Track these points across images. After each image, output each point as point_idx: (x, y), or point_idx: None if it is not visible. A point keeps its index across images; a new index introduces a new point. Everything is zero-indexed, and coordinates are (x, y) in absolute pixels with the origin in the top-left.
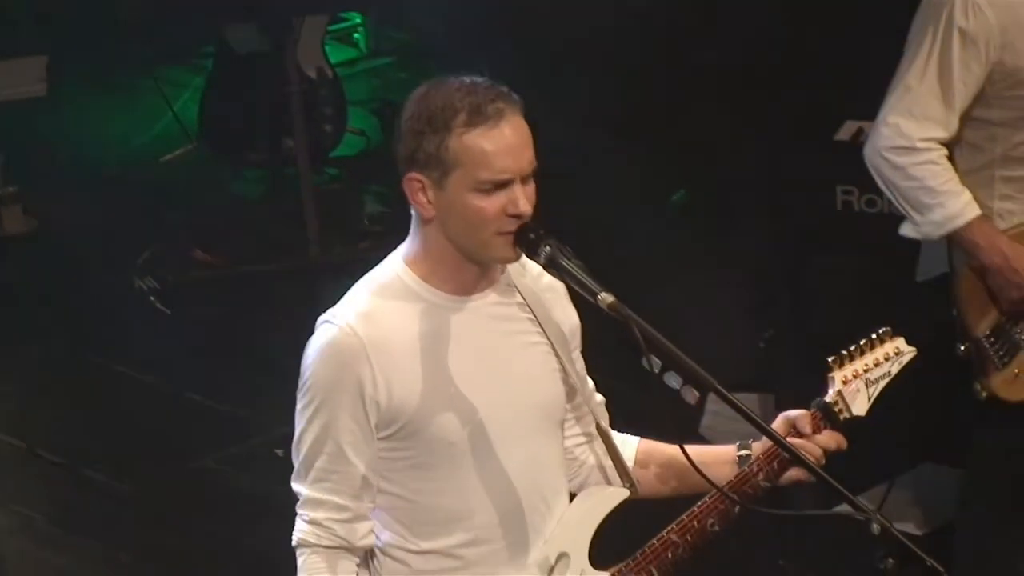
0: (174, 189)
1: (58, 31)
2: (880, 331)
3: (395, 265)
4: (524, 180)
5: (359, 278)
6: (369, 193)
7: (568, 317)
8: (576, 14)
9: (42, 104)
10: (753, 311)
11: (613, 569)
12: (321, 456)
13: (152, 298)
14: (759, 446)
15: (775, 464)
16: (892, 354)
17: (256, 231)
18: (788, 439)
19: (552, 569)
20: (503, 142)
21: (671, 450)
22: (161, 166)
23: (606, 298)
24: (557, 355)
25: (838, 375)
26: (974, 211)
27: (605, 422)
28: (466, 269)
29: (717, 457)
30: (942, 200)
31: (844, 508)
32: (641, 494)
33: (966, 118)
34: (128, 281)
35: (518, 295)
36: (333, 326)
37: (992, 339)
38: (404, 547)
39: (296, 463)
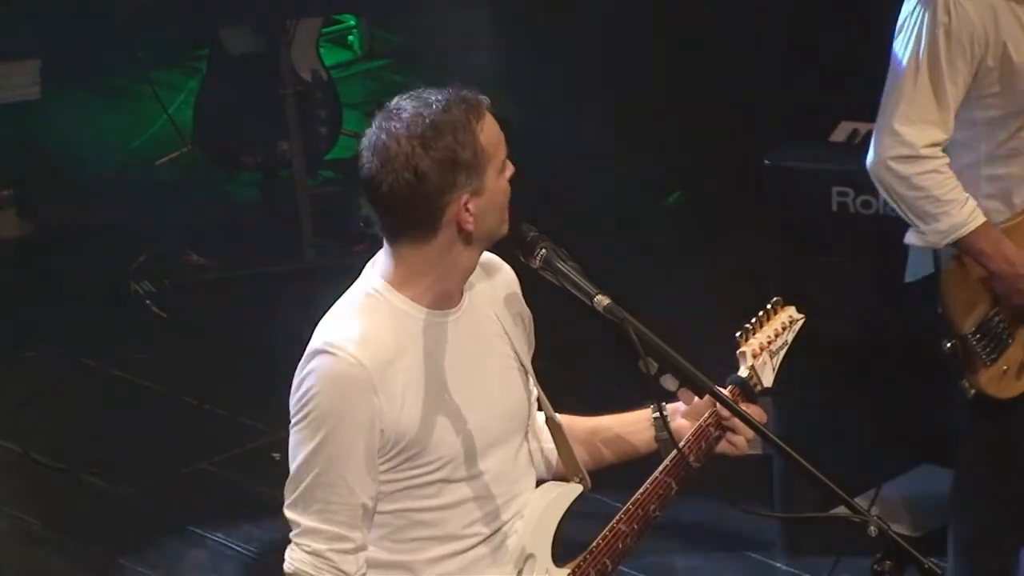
0: (169, 192)
1: (51, 34)
2: (772, 301)
3: (376, 284)
4: None
5: (354, 281)
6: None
7: (523, 311)
8: (572, 18)
9: (36, 107)
10: (749, 313)
11: (571, 565)
12: (323, 487)
13: (148, 302)
14: (676, 408)
15: (703, 444)
16: (788, 323)
17: (251, 234)
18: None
19: (521, 572)
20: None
21: (592, 422)
22: (156, 169)
23: (602, 300)
24: (520, 361)
25: (748, 349)
26: (979, 219)
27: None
28: (450, 282)
29: (635, 425)
30: (947, 209)
31: (841, 510)
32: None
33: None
34: (124, 285)
35: (485, 302)
36: (335, 356)
37: (978, 336)
38: (387, 562)
39: (294, 491)
